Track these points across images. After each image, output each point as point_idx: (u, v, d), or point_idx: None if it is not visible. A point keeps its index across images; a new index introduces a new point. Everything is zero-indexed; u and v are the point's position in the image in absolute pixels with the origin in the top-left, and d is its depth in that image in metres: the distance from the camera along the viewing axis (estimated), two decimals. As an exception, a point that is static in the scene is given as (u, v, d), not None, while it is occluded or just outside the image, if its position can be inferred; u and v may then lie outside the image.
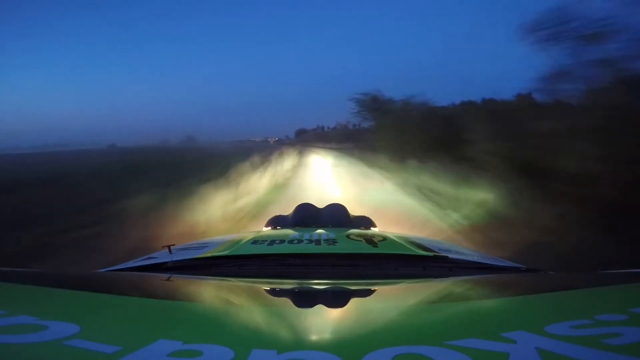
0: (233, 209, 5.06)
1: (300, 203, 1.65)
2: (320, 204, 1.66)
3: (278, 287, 0.64)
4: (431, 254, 0.83)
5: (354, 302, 0.54)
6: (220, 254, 0.83)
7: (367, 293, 0.60)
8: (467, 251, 1.05)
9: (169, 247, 0.86)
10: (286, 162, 12.21)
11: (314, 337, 0.37)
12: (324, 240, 0.92)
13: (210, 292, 0.61)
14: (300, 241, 0.91)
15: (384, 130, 11.11)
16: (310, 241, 0.90)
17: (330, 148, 27.14)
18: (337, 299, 0.57)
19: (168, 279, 0.68)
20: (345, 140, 23.27)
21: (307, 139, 42.92)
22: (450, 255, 0.82)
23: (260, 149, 17.78)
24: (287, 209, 1.70)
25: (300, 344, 0.34)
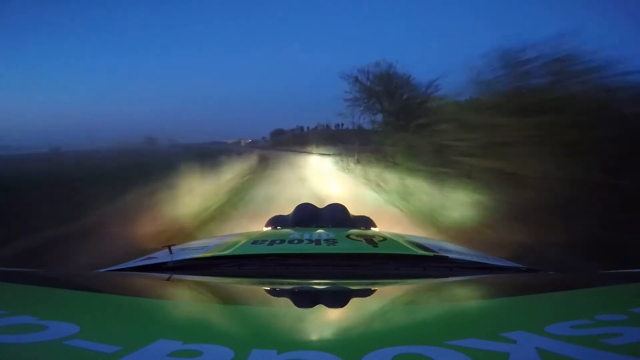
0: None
1: (300, 203, 1.65)
2: (320, 204, 1.66)
3: (278, 287, 0.65)
4: (431, 254, 0.83)
5: (354, 302, 0.54)
6: (220, 254, 0.83)
7: (367, 293, 0.60)
8: (467, 251, 1.05)
9: (169, 247, 0.86)
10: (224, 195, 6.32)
11: (314, 337, 0.37)
12: (324, 240, 0.92)
13: (210, 292, 0.61)
14: (300, 241, 0.91)
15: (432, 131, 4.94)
16: (311, 241, 0.90)
17: (311, 153, 19.27)
18: (337, 299, 0.57)
19: (168, 279, 0.68)
20: (328, 142, 17.40)
21: (283, 140, 37.77)
22: (450, 255, 0.82)
23: (221, 152, 10.96)
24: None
25: (300, 344, 0.34)
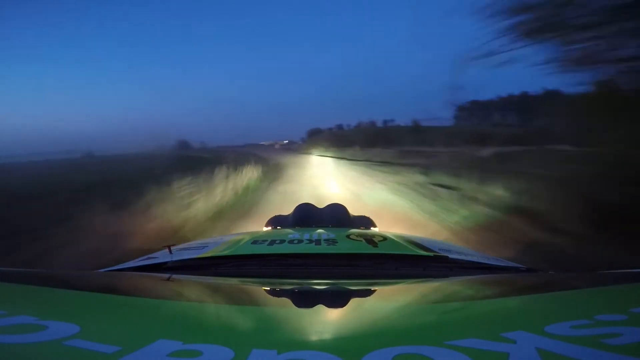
0: None
1: (300, 203, 1.65)
2: (321, 204, 1.66)
3: (278, 287, 0.65)
4: (431, 254, 0.83)
5: (354, 302, 0.54)
6: (220, 254, 0.83)
7: (367, 293, 0.60)
8: (467, 251, 1.05)
9: (169, 247, 0.86)
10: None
11: (314, 337, 0.37)
12: (324, 240, 0.92)
13: (210, 292, 0.61)
14: (300, 241, 0.91)
15: None
16: (311, 241, 0.90)
17: (355, 160, 12.94)
18: (337, 299, 0.57)
19: (168, 279, 0.68)
20: (375, 142, 11.88)
21: (320, 140, 33.55)
22: (451, 255, 0.82)
23: (219, 161, 7.81)
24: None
25: (300, 344, 0.34)
